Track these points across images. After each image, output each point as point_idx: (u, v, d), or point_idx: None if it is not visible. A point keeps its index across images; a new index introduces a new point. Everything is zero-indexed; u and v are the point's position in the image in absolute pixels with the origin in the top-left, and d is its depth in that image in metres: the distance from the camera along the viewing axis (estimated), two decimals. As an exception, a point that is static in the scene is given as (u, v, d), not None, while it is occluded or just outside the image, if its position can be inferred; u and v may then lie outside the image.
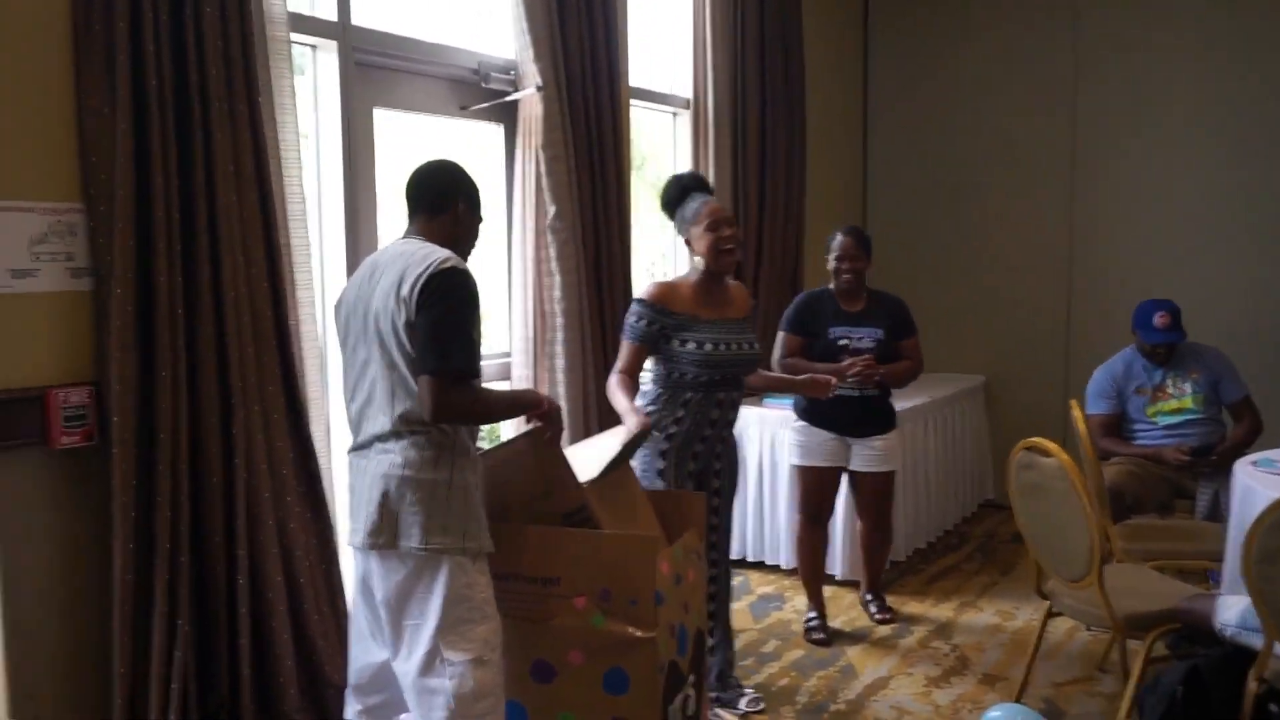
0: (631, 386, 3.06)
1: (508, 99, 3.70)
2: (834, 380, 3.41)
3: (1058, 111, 5.73)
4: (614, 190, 4.04)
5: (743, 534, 4.75)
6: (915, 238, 6.17)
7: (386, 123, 3.47)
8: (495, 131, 3.89)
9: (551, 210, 3.67)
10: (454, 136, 4.17)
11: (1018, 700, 3.33)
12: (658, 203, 3.28)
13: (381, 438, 2.26)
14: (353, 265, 3.27)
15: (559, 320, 3.73)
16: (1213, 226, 5.37)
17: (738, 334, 3.16)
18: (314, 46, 3.19)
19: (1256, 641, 2.61)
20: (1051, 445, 3.01)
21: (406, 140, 3.76)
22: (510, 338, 3.89)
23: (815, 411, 3.96)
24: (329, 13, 3.17)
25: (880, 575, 4.32)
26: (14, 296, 2.44)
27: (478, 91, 3.68)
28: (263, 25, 2.80)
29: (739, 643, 3.87)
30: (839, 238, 3.93)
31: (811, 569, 4.12)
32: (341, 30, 3.19)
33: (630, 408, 2.91)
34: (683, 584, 2.60)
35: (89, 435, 2.55)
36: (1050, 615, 3.28)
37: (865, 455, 3.99)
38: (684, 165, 4.79)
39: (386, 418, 2.24)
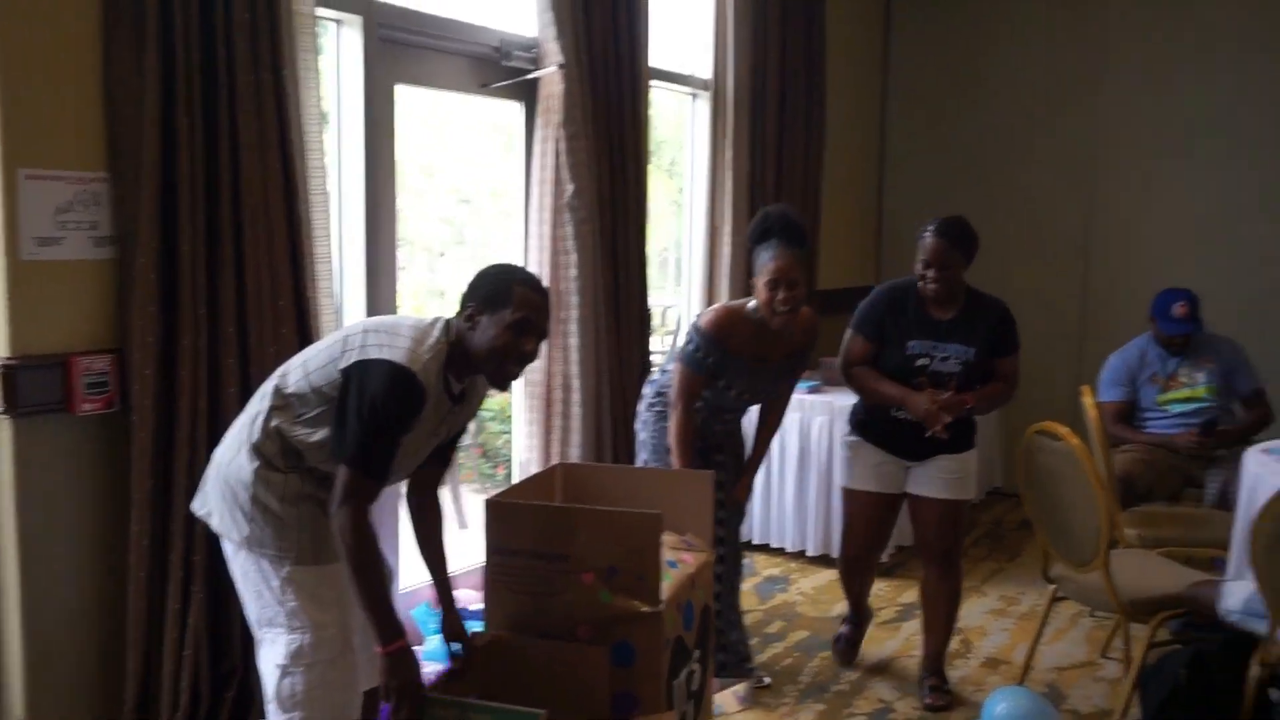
0: (689, 426, 3.14)
1: (529, 77, 3.71)
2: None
3: (1079, 100, 5.70)
4: (632, 170, 4.05)
5: (749, 517, 4.77)
6: (931, 224, 6.16)
7: (407, 99, 3.49)
8: (515, 109, 3.91)
9: (570, 188, 3.69)
10: (474, 114, 4.19)
11: (1020, 684, 3.36)
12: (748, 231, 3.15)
13: (234, 432, 2.30)
14: (371, 241, 3.30)
15: (574, 299, 3.76)
16: (1231, 217, 5.35)
17: (772, 380, 3.25)
18: (338, 21, 3.21)
19: (1260, 627, 2.63)
20: (1062, 430, 3.03)
21: (427, 117, 3.78)
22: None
23: (873, 427, 3.35)
24: (353, -13, 3.19)
25: (946, 643, 3.43)
26: (39, 264, 2.48)
27: (499, 69, 3.69)
28: (288, -1, 2.82)
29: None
30: (926, 237, 3.16)
31: (857, 593, 3.60)
32: (366, 6, 3.20)
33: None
34: (678, 566, 2.63)
35: (110, 402, 2.59)
36: (1055, 600, 3.31)
37: (929, 477, 3.29)
38: (701, 148, 4.78)
39: (248, 424, 2.25)
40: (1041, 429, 3.13)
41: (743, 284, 4.83)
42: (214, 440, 2.70)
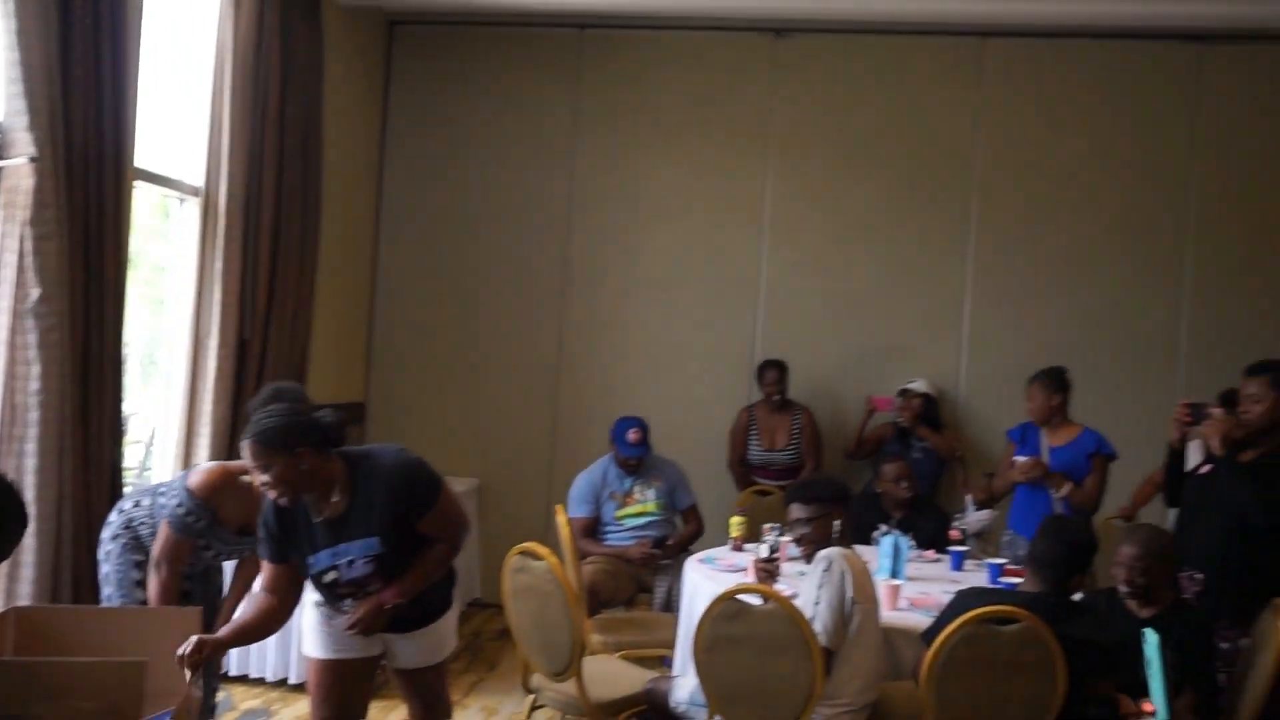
0: (175, 592, 2.98)
1: (-11, 165, 3.32)
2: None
3: (553, 233, 6.30)
4: (111, 275, 3.75)
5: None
6: (420, 342, 6.41)
7: None
8: (-34, 197, 3.45)
9: (35, 293, 3.32)
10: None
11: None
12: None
13: None
14: None
15: (34, 415, 3.35)
16: (678, 353, 6.21)
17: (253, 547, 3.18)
18: None
19: (703, 716, 3.08)
20: (543, 550, 3.33)
21: None
22: (-34, 431, 3.40)
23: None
24: None
25: None
26: None
27: (-50, 151, 3.26)
28: None
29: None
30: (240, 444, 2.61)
31: None
32: None
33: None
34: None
35: None
36: (534, 708, 3.55)
37: (410, 650, 2.97)
38: (189, 253, 4.56)
39: None
40: (523, 549, 3.41)
41: (230, 394, 4.63)
42: None
